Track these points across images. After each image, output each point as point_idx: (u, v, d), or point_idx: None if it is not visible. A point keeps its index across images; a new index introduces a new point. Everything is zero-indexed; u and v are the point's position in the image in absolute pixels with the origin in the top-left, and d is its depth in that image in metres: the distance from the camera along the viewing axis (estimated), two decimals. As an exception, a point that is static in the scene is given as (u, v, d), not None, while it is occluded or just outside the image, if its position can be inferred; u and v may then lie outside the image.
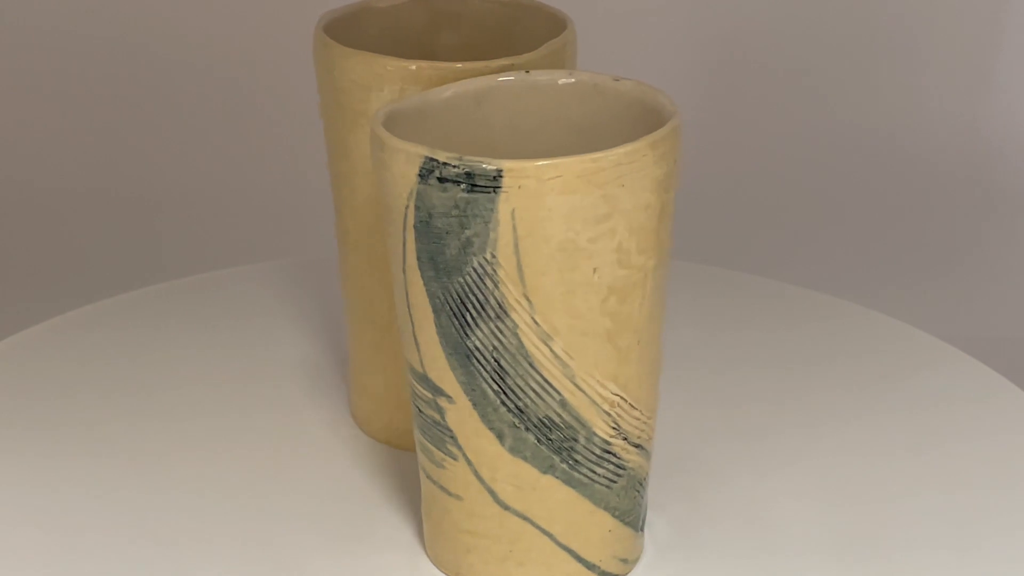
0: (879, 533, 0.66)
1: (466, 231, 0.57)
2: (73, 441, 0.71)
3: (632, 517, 0.63)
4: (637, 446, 0.61)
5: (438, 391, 0.60)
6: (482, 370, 0.59)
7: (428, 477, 0.63)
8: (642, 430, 0.61)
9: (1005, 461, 0.70)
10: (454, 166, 0.56)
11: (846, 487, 0.69)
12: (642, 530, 0.64)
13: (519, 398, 0.59)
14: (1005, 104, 1.23)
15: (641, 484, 0.63)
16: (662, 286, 0.60)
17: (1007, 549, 0.65)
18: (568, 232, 0.57)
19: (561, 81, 0.64)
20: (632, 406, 0.61)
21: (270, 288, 0.84)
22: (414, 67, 0.65)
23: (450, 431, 0.60)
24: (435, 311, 0.59)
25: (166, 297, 0.83)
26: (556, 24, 0.68)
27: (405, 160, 0.57)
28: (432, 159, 0.57)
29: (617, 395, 0.60)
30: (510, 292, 0.57)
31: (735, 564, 0.65)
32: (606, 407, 0.60)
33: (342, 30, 0.68)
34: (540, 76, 0.64)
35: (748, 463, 0.71)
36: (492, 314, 0.58)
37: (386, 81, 0.65)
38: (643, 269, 0.59)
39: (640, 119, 0.61)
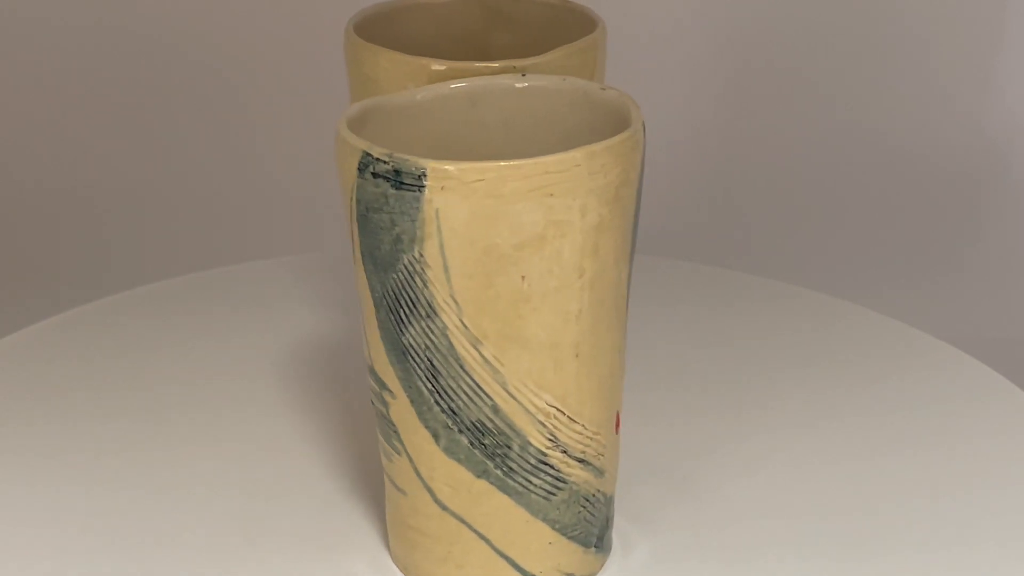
0: (879, 533, 0.65)
1: (396, 228, 0.57)
2: (69, 440, 0.72)
3: (578, 532, 0.62)
4: (580, 461, 0.61)
5: (383, 385, 0.61)
6: (417, 368, 0.59)
7: (383, 469, 0.63)
8: (587, 445, 0.61)
9: (1005, 461, 0.70)
10: (385, 162, 0.57)
11: (846, 487, 0.68)
12: (598, 547, 0.63)
13: (452, 400, 0.59)
14: (1006, 104, 1.22)
15: (588, 500, 0.62)
16: (610, 299, 0.59)
17: (1007, 549, 0.64)
18: (493, 237, 0.57)
19: (553, 86, 0.63)
20: (572, 419, 0.60)
21: (273, 284, 0.86)
22: (443, 67, 0.66)
23: (394, 425, 0.61)
24: (376, 305, 0.59)
25: (166, 296, 0.85)
26: (590, 25, 0.68)
27: (349, 153, 0.58)
28: (368, 154, 0.57)
29: (553, 407, 0.59)
30: (438, 292, 0.58)
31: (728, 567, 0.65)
32: (541, 417, 0.59)
33: (387, 26, 0.69)
34: (534, 80, 0.63)
35: (747, 463, 0.70)
36: (423, 313, 0.58)
37: (415, 81, 0.66)
38: (579, 281, 0.58)
39: (619, 129, 0.60)
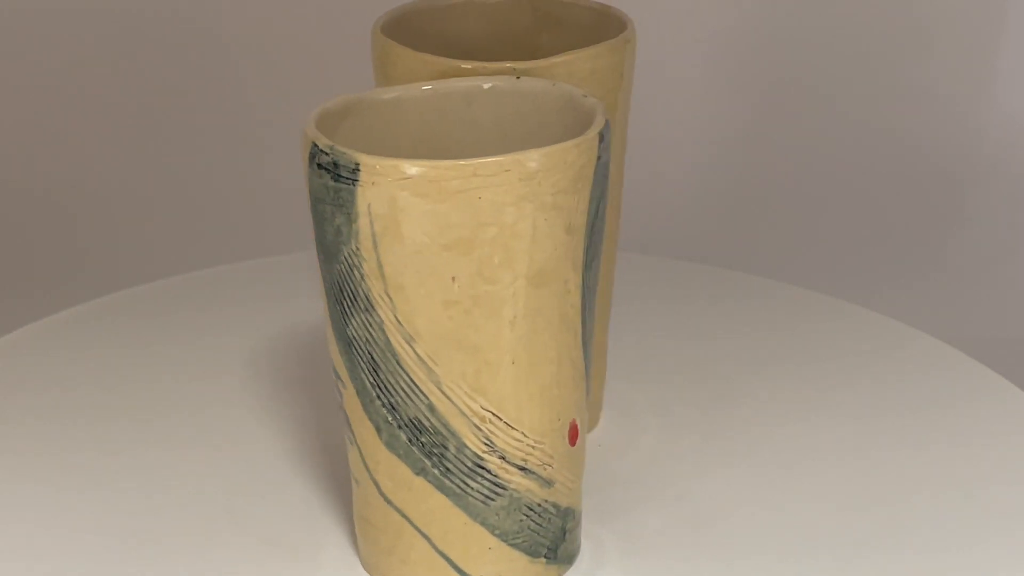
0: (878, 533, 0.65)
1: (336, 220, 0.58)
2: (65, 439, 0.73)
3: (521, 541, 0.61)
4: (521, 468, 0.60)
5: (336, 374, 0.62)
6: (360, 360, 0.60)
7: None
8: (528, 454, 0.60)
9: (1005, 461, 0.70)
10: (326, 154, 0.58)
11: (845, 487, 0.68)
12: (549, 558, 0.63)
13: (391, 395, 0.60)
14: (1007, 105, 1.22)
15: (533, 510, 0.61)
16: (552, 308, 0.59)
17: (1007, 549, 0.64)
18: (422, 236, 0.57)
19: (543, 90, 0.63)
20: (509, 426, 0.60)
21: (271, 283, 0.86)
22: (469, 66, 0.66)
23: (346, 415, 0.62)
24: (326, 294, 0.60)
25: (165, 294, 0.86)
26: (620, 27, 0.68)
27: (304, 144, 0.59)
28: (315, 145, 0.58)
29: (488, 411, 0.59)
30: (374, 287, 0.58)
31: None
32: (476, 421, 0.59)
33: (430, 23, 0.70)
34: (527, 83, 0.63)
35: (744, 463, 0.70)
36: (362, 306, 0.59)
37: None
38: (511, 287, 0.58)
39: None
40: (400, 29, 0.70)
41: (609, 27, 0.69)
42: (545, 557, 0.63)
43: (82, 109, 1.24)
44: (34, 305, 1.03)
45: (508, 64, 0.65)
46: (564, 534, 0.63)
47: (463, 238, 0.57)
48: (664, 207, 1.22)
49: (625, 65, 0.68)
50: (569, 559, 0.64)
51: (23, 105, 1.23)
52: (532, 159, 0.57)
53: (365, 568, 0.64)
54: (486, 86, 0.64)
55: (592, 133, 0.58)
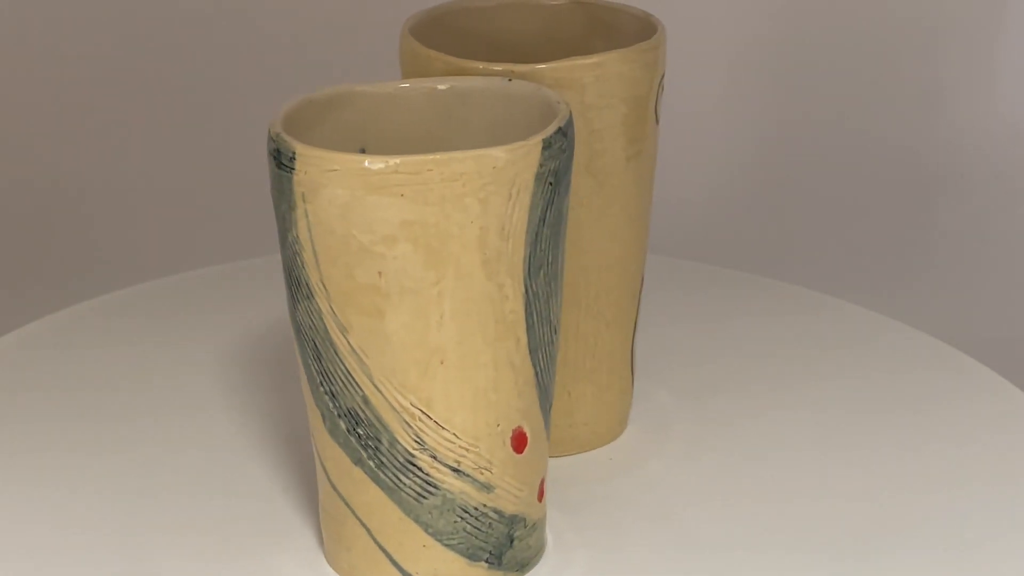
0: (878, 533, 0.65)
1: (281, 207, 0.60)
2: (60, 438, 0.73)
3: (456, 543, 0.61)
4: (455, 470, 0.60)
5: (296, 362, 0.63)
6: (306, 346, 0.61)
7: (317, 443, 0.65)
8: (462, 456, 0.60)
9: (1004, 461, 0.70)
10: (273, 141, 0.59)
11: (845, 487, 0.68)
12: (492, 564, 0.62)
13: (331, 383, 0.61)
14: (1007, 105, 1.21)
15: (469, 512, 0.61)
16: (483, 313, 0.59)
17: (1006, 549, 0.64)
18: (349, 228, 0.58)
19: (529, 94, 0.63)
20: (440, 425, 0.60)
21: (276, 282, 0.86)
22: (499, 68, 0.67)
23: (303, 399, 0.63)
24: (284, 280, 0.62)
25: (158, 295, 0.86)
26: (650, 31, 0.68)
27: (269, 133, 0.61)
28: (269, 131, 0.60)
29: (418, 408, 0.60)
30: (312, 275, 0.59)
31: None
32: (406, 417, 0.60)
33: (478, 21, 0.71)
34: (516, 86, 0.63)
35: (743, 462, 0.70)
36: (305, 293, 0.60)
37: None
38: (436, 287, 0.58)
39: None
40: (439, 28, 0.70)
41: (651, 34, 0.69)
42: (487, 562, 0.62)
43: (76, 111, 1.25)
44: (30, 306, 1.04)
45: (541, 66, 0.65)
46: (511, 541, 0.63)
47: (387, 234, 0.57)
48: (692, 211, 1.21)
49: (654, 70, 0.67)
50: (520, 567, 0.63)
51: (22, 106, 1.24)
52: (457, 160, 0.57)
53: (325, 557, 0.65)
54: (479, 87, 0.64)
55: (534, 140, 0.58)
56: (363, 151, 0.64)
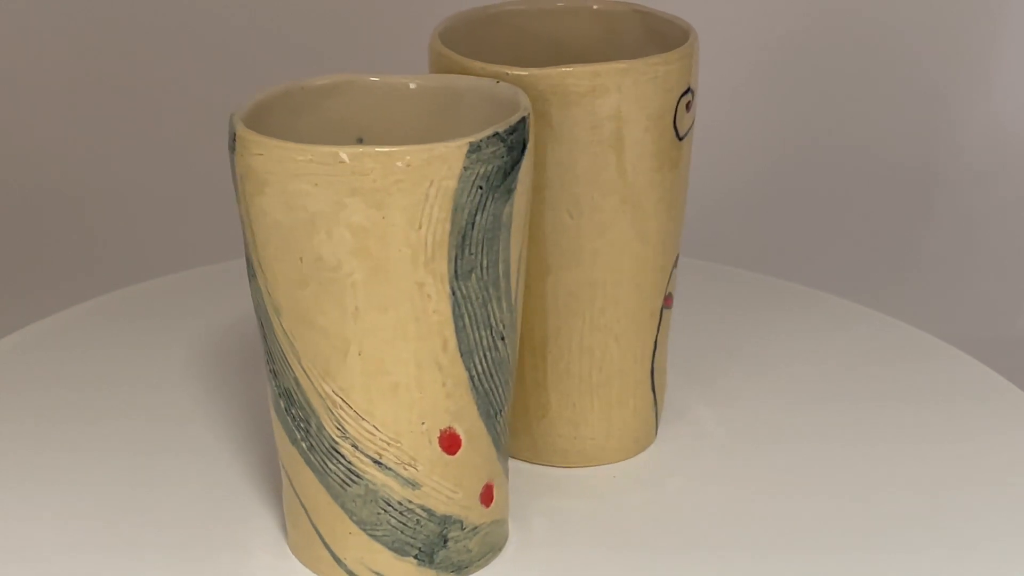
0: (877, 532, 0.65)
1: (236, 188, 0.62)
2: (60, 438, 0.73)
3: (381, 535, 0.62)
4: (376, 462, 0.61)
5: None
6: (259, 324, 0.63)
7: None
8: (383, 449, 0.61)
9: (1004, 461, 0.70)
10: (232, 124, 0.62)
11: (845, 486, 0.68)
12: (423, 561, 0.63)
13: (273, 361, 0.63)
14: (1007, 106, 1.21)
15: (392, 506, 0.62)
16: (402, 311, 0.59)
17: (1006, 549, 0.64)
18: (274, 212, 0.59)
19: (513, 97, 0.63)
20: (360, 416, 0.61)
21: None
22: (526, 73, 0.67)
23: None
24: (247, 258, 0.64)
25: (167, 293, 0.86)
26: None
27: (239, 118, 0.63)
28: (232, 114, 0.62)
29: (339, 396, 0.61)
30: (253, 255, 0.61)
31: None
32: (329, 404, 0.61)
33: (541, 22, 0.71)
34: (502, 89, 0.64)
35: (742, 462, 0.70)
36: (252, 272, 0.62)
37: None
38: (348, 277, 0.59)
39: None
40: (487, 28, 0.70)
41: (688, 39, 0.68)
42: (416, 559, 0.63)
43: (73, 111, 1.25)
44: (27, 307, 1.06)
45: (566, 68, 0.64)
46: (445, 542, 0.63)
47: (304, 221, 0.58)
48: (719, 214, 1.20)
49: (687, 76, 0.65)
50: (456, 568, 0.63)
51: (10, 109, 1.24)
52: (368, 155, 0.57)
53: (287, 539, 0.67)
54: (470, 87, 0.64)
55: (457, 143, 0.58)
56: (360, 141, 0.65)
